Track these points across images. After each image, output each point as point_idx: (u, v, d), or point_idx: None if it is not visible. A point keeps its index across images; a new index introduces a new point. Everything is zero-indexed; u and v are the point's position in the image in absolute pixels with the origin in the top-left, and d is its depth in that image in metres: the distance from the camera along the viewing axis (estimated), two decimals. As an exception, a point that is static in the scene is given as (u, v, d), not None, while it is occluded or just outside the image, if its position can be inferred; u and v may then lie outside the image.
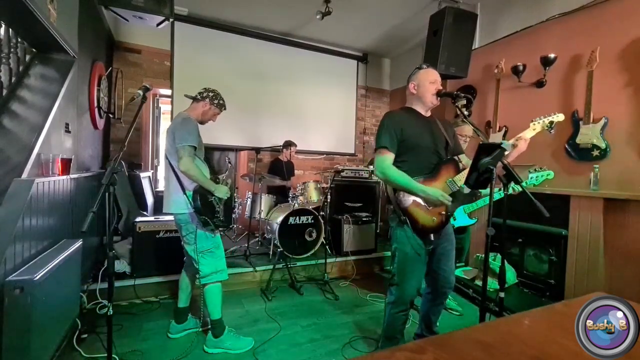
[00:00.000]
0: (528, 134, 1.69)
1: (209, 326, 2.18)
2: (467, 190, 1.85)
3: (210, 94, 2.20)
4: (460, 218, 2.61)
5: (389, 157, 1.78)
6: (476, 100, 3.72)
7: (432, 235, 1.78)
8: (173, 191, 2.07)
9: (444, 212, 1.78)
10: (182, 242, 2.17)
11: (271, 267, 3.21)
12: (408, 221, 1.77)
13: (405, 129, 1.79)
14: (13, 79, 2.13)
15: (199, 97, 2.19)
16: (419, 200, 1.76)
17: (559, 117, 1.70)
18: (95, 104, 3.14)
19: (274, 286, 3.17)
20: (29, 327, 1.46)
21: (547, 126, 1.69)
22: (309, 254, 3.58)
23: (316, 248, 3.63)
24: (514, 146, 1.66)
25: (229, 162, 3.03)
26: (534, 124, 1.70)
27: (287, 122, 5.00)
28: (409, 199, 1.77)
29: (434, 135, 1.84)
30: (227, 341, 2.15)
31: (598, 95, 2.61)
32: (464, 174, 1.75)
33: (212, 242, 2.13)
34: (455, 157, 1.88)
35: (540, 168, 2.20)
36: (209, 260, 2.11)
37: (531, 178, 2.17)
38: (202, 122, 2.22)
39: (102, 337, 2.12)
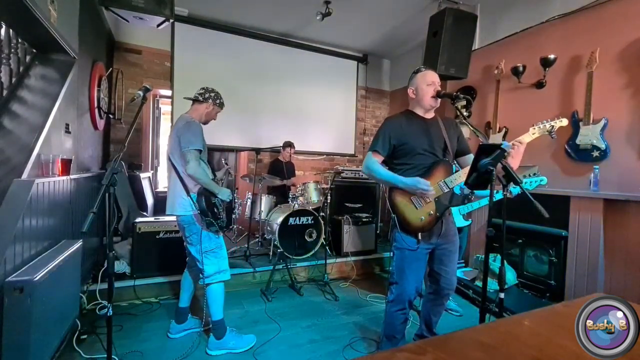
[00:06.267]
0: (526, 138, 1.65)
1: (210, 326, 2.17)
2: (467, 191, 1.85)
3: (212, 94, 2.21)
4: (455, 219, 2.61)
5: (376, 158, 1.87)
6: (476, 101, 3.72)
7: (420, 235, 1.80)
8: (177, 193, 2.08)
9: (432, 212, 1.78)
10: (185, 243, 2.18)
11: (271, 267, 3.21)
12: (396, 219, 1.82)
13: (401, 134, 1.83)
14: (13, 80, 2.14)
15: (200, 98, 2.19)
16: (407, 199, 1.79)
17: (563, 122, 1.65)
18: (96, 105, 3.14)
19: (274, 287, 3.17)
20: (29, 327, 1.46)
21: (547, 131, 1.65)
22: (309, 255, 3.58)
23: (316, 249, 3.62)
24: (513, 145, 1.65)
25: (225, 163, 3.05)
26: (534, 129, 1.66)
27: (287, 122, 5.00)
28: (398, 198, 1.81)
29: (432, 138, 1.85)
30: (230, 341, 2.14)
31: (598, 96, 2.61)
32: (457, 175, 1.76)
33: (216, 242, 2.14)
34: (447, 159, 1.86)
35: (535, 174, 2.22)
36: (213, 260, 2.12)
37: (525, 183, 2.19)
38: (205, 123, 2.23)
39: (102, 338, 2.11)
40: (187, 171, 2.00)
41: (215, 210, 2.10)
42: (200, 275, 2.13)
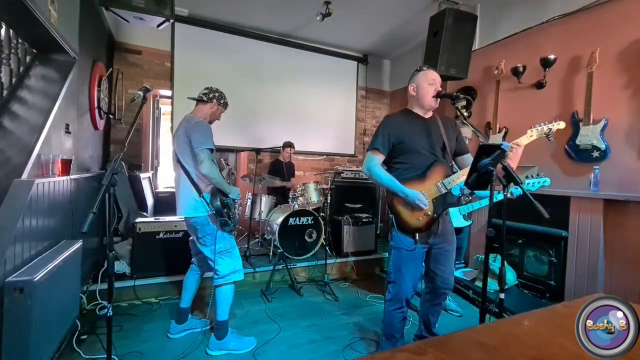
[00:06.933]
0: (523, 141, 1.66)
1: (214, 326, 2.17)
2: (467, 191, 1.85)
3: (217, 94, 2.20)
4: (455, 219, 2.61)
5: (377, 157, 1.87)
6: (476, 101, 3.72)
7: (417, 235, 1.81)
8: (187, 194, 2.06)
9: (430, 213, 1.79)
10: (198, 244, 2.16)
11: (271, 268, 3.21)
12: (394, 219, 1.83)
13: (400, 132, 1.83)
14: (13, 80, 2.14)
15: (205, 98, 2.18)
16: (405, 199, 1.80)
17: (560, 125, 1.66)
18: (96, 105, 3.14)
19: (274, 287, 3.17)
20: (29, 327, 1.46)
21: (545, 134, 1.65)
22: (309, 255, 3.58)
23: (316, 249, 3.62)
24: (511, 148, 1.65)
25: (226, 164, 3.06)
26: (531, 131, 1.67)
27: (287, 123, 5.00)
28: (396, 198, 1.82)
29: (430, 138, 1.85)
30: (230, 342, 2.14)
31: (598, 96, 2.61)
32: (455, 176, 1.76)
33: (229, 242, 2.15)
34: (445, 160, 1.86)
35: (538, 174, 2.22)
36: (227, 260, 2.12)
37: (528, 184, 2.18)
38: (209, 123, 2.22)
39: (102, 338, 2.11)
40: (201, 171, 1.98)
41: (229, 209, 2.11)
42: (215, 275, 2.11)
